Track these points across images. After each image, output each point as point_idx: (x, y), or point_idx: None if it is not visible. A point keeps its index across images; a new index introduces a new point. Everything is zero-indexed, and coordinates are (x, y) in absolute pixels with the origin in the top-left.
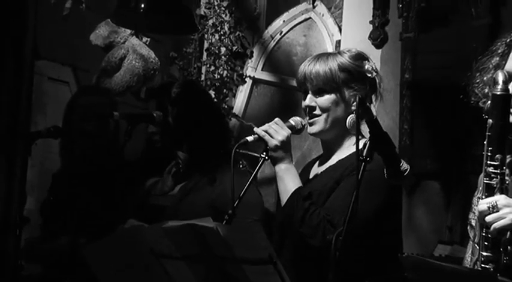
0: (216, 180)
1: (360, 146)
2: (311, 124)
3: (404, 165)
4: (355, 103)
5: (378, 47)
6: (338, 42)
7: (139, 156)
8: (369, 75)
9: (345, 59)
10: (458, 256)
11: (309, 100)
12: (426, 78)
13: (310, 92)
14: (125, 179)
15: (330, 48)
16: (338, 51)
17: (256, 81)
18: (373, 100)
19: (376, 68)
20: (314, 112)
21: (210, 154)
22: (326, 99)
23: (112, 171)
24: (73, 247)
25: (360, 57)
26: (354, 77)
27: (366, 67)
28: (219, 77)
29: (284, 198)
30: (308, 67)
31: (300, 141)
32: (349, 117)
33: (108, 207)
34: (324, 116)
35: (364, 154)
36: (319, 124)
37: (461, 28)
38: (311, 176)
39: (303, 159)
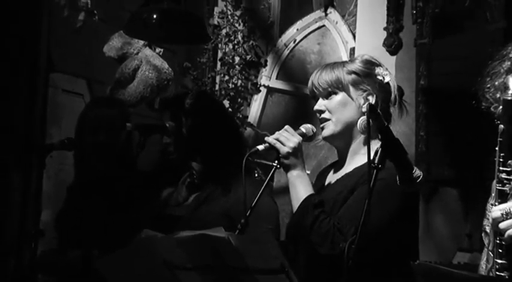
0: (231, 190)
1: (372, 153)
2: (322, 129)
3: (417, 172)
4: (364, 106)
5: (392, 53)
6: (352, 50)
7: (153, 167)
8: (379, 78)
9: (353, 65)
10: (478, 264)
11: (318, 104)
12: (441, 84)
13: (320, 96)
14: (139, 190)
15: (344, 56)
16: (349, 59)
17: (270, 90)
18: (391, 106)
19: (387, 74)
20: (323, 115)
21: (224, 164)
22: (333, 100)
23: (125, 183)
24: (87, 259)
25: (371, 62)
26: (361, 78)
27: (376, 71)
28: (233, 86)
29: (295, 205)
30: (315, 76)
31: (316, 149)
32: (360, 120)
33: (123, 218)
34: (333, 118)
35: (376, 161)
36: (329, 127)
37: (476, 33)
38: (326, 183)
39: (319, 167)
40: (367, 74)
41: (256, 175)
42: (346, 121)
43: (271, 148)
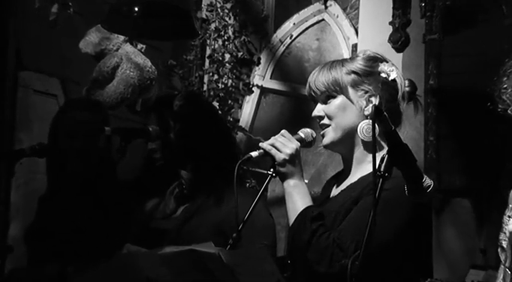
0: (224, 201)
1: (378, 161)
2: (323, 136)
3: (428, 181)
4: (367, 108)
5: (398, 50)
6: (354, 46)
7: (136, 175)
8: (384, 76)
9: (353, 63)
10: None
11: (317, 109)
12: (453, 84)
13: (318, 100)
14: (120, 201)
15: (346, 53)
16: (350, 57)
17: (264, 91)
18: (401, 106)
19: (393, 70)
20: (323, 122)
21: (217, 173)
22: (332, 104)
23: (105, 193)
24: (62, 277)
25: (374, 59)
26: (362, 78)
27: (380, 68)
28: (223, 86)
29: (292, 218)
30: (312, 78)
31: (315, 156)
32: (360, 124)
33: (102, 232)
34: (333, 124)
35: (381, 169)
36: (329, 134)
37: (490, 28)
38: (331, 195)
39: (318, 175)
40: (369, 72)
41: (248, 184)
42: (346, 127)
43: (266, 155)
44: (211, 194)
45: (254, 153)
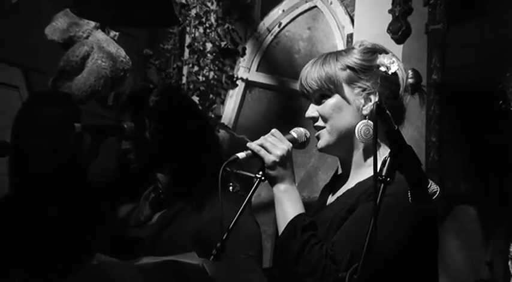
0: (205, 207)
1: (379, 164)
2: (317, 138)
3: (433, 187)
4: (365, 107)
5: (398, 41)
6: (350, 36)
7: (109, 178)
8: (383, 69)
9: (348, 57)
10: None
11: (310, 110)
12: (458, 79)
13: (312, 101)
14: (91, 207)
15: (340, 44)
16: (345, 49)
17: (249, 85)
18: (404, 102)
19: (393, 62)
20: (317, 123)
21: (198, 176)
22: (326, 104)
23: (74, 197)
24: None
25: (371, 51)
26: (358, 74)
27: (378, 61)
28: (204, 79)
29: (281, 226)
30: (303, 73)
31: (305, 158)
32: (358, 125)
33: (70, 241)
34: (328, 126)
35: (383, 173)
36: (324, 137)
37: (499, 17)
38: (328, 202)
39: (308, 179)
40: (366, 67)
41: (231, 188)
42: (342, 128)
43: (254, 156)
44: (191, 199)
45: (241, 154)
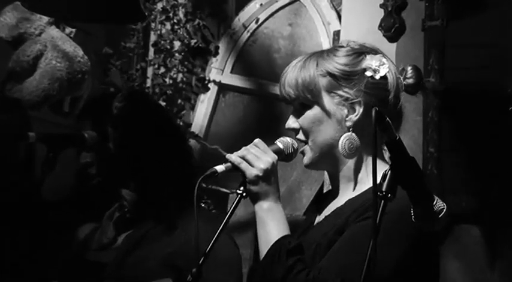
0: (177, 228)
1: (378, 179)
2: (302, 154)
3: (439, 204)
4: (348, 117)
5: (391, 40)
6: (336, 34)
7: (66, 195)
8: (369, 74)
9: (329, 62)
10: None
11: (291, 120)
12: (459, 82)
13: (293, 109)
14: (45, 227)
15: (326, 42)
16: (328, 49)
17: (223, 88)
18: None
19: (383, 63)
20: (299, 136)
21: (168, 193)
22: (305, 117)
23: (25, 216)
24: None
25: (357, 53)
26: (340, 81)
27: (365, 64)
28: (171, 82)
29: (263, 249)
30: (283, 77)
31: (285, 170)
32: (341, 140)
33: (22, 266)
34: (309, 142)
35: (384, 189)
36: (307, 154)
37: (503, 13)
38: (316, 221)
39: (290, 195)
40: (349, 73)
41: (203, 205)
42: (324, 144)
43: (235, 170)
44: (161, 219)
45: (219, 168)
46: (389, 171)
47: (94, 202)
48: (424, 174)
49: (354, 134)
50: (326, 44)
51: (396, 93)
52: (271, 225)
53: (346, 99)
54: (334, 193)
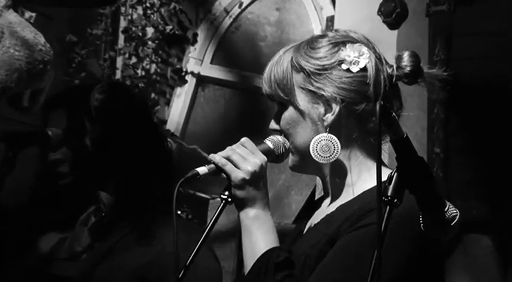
0: (152, 236)
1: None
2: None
3: (451, 210)
4: (326, 116)
5: (392, 26)
6: (330, 20)
7: (27, 198)
8: (344, 67)
9: (302, 51)
10: None
11: (272, 121)
12: (468, 74)
13: (276, 109)
14: (2, 234)
15: (318, 29)
16: (309, 39)
17: (202, 81)
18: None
19: (363, 53)
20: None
21: (148, 196)
22: (283, 118)
23: None
24: None
25: (334, 43)
26: (313, 76)
27: (342, 55)
28: (143, 73)
29: (249, 263)
30: (265, 71)
31: (273, 173)
32: (312, 141)
33: None
34: (290, 145)
35: (389, 193)
36: (290, 157)
37: None
38: (305, 229)
39: (278, 201)
40: (322, 67)
41: (179, 212)
42: (303, 146)
43: (219, 172)
44: (136, 226)
45: (202, 170)
46: (395, 173)
47: (62, 206)
48: (433, 176)
49: (331, 135)
50: (317, 31)
51: (376, 87)
52: (258, 235)
53: (321, 96)
54: (325, 199)
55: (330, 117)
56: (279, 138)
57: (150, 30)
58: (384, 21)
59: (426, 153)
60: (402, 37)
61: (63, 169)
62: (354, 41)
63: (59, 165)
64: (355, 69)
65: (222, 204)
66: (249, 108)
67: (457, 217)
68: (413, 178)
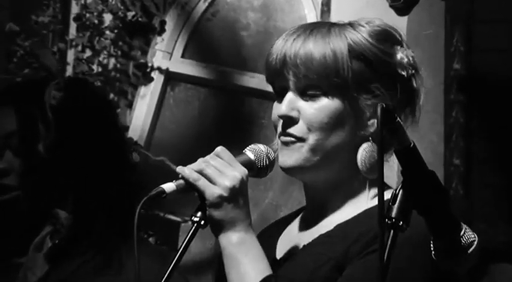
0: (117, 263)
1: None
2: (285, 151)
3: (469, 235)
4: (371, 121)
5: (401, 12)
6: (326, 4)
7: None
8: (402, 72)
9: (361, 36)
10: None
11: (288, 105)
12: (492, 68)
13: (290, 90)
14: None
15: (311, 15)
16: (349, 23)
17: (171, 78)
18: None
19: (412, 59)
20: (292, 130)
21: (113, 216)
22: (321, 106)
23: None
24: None
25: (388, 37)
26: (376, 72)
27: (398, 57)
28: (100, 70)
29: None
30: (293, 44)
31: (258, 190)
32: (362, 150)
33: None
34: (311, 139)
35: (393, 214)
36: (300, 153)
37: None
38: (280, 250)
39: (264, 223)
40: (385, 63)
41: (150, 238)
42: (330, 148)
43: (190, 189)
44: (98, 251)
45: (168, 186)
46: (401, 191)
47: (9, 227)
48: (448, 194)
49: (375, 144)
50: (312, 19)
51: (420, 98)
52: (246, 263)
53: (376, 95)
54: (313, 214)
55: (375, 124)
56: (262, 147)
57: (107, 17)
58: (391, 6)
59: (443, 165)
60: (413, 25)
61: (8, 181)
62: (400, 39)
63: (2, 177)
64: (406, 74)
65: (194, 227)
66: (229, 111)
67: (475, 243)
68: (423, 196)
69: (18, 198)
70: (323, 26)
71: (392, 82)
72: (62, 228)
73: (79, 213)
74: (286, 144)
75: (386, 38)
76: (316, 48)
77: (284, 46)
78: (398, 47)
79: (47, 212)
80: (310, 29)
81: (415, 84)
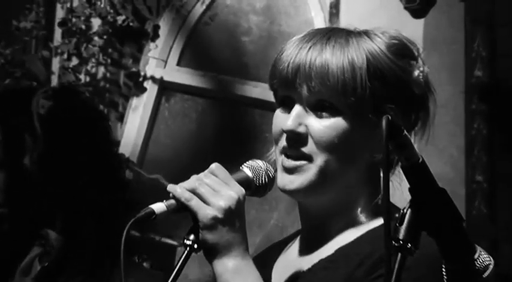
0: None
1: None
2: (289, 171)
3: (484, 257)
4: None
5: (417, 14)
6: (334, 6)
7: None
8: (417, 91)
9: (379, 48)
10: None
11: (295, 119)
12: None
13: (299, 103)
14: None
15: (319, 18)
16: (364, 31)
17: (166, 88)
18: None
19: (428, 77)
20: (296, 149)
21: (106, 236)
22: (332, 124)
23: None
24: None
25: (406, 52)
26: (392, 92)
27: (415, 74)
28: (88, 79)
29: None
30: (308, 53)
31: (262, 211)
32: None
33: None
34: (320, 161)
35: (400, 236)
36: (305, 175)
37: None
38: (277, 278)
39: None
40: (402, 81)
41: (140, 260)
42: (341, 170)
43: (181, 209)
44: (90, 274)
45: (158, 207)
46: (409, 210)
47: None
48: (460, 214)
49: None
50: (319, 22)
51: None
52: None
53: (395, 113)
54: (310, 238)
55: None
56: (260, 163)
57: (96, 22)
58: (405, 8)
59: (465, 182)
60: (430, 29)
61: None
62: (415, 53)
63: None
64: (419, 92)
65: (187, 252)
66: (229, 124)
67: (491, 267)
68: (432, 216)
69: (2, 216)
70: (340, 35)
71: (408, 104)
72: (52, 250)
73: (69, 233)
74: (289, 168)
75: (403, 52)
76: (334, 61)
77: (298, 54)
78: (415, 63)
79: (34, 232)
80: (327, 38)
81: (429, 105)
